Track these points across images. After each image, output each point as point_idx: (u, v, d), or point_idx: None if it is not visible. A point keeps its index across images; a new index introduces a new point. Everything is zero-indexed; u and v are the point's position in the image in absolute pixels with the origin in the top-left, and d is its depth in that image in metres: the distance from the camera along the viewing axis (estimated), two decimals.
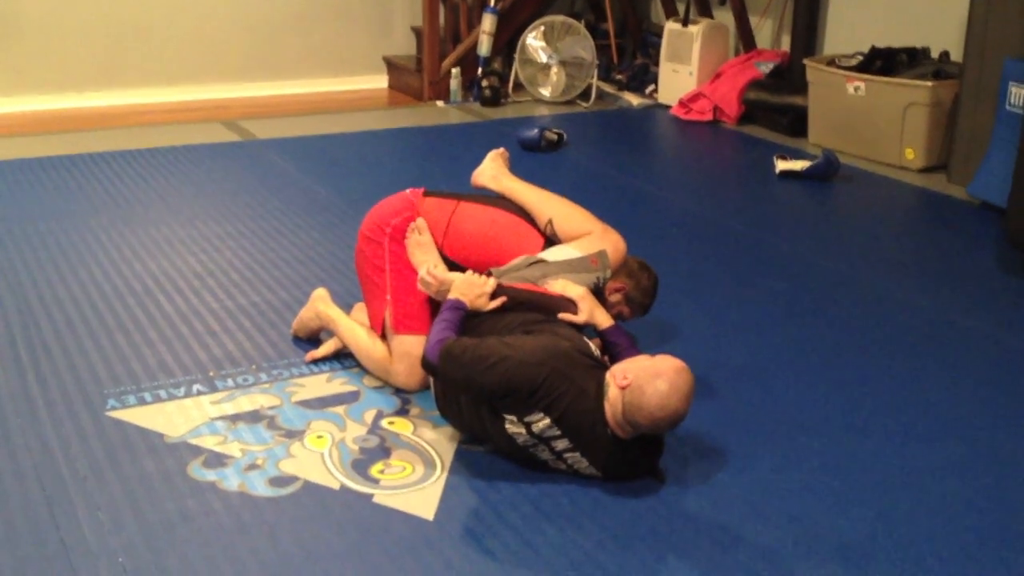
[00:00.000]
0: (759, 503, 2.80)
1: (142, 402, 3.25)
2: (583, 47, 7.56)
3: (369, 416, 3.20)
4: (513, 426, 2.78)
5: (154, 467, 2.90)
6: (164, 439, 3.04)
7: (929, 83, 5.81)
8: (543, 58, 7.60)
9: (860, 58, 6.25)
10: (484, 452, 3.00)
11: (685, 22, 7.34)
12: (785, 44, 7.24)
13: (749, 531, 2.69)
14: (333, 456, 2.98)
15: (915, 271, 4.55)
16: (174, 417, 3.17)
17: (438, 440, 3.07)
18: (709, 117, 7.06)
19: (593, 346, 3.01)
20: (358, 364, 3.47)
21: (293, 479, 2.86)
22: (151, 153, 6.04)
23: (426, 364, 2.84)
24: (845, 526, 2.71)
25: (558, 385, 2.72)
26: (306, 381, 3.40)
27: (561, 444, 2.78)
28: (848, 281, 4.38)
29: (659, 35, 7.68)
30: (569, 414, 2.73)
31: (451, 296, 3.05)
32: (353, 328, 3.46)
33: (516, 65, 7.66)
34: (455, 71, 7.61)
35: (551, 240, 3.41)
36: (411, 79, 7.94)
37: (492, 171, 3.66)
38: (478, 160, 3.75)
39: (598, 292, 3.26)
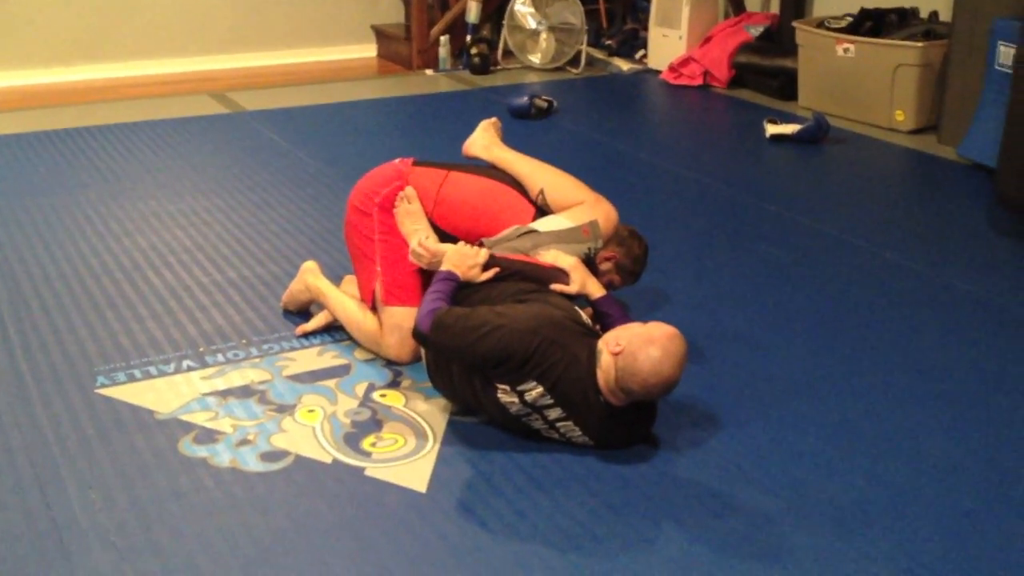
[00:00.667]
0: (752, 469, 2.81)
1: (132, 379, 3.24)
2: (572, 12, 7.51)
3: (360, 389, 3.19)
4: (506, 395, 2.78)
5: (145, 444, 2.89)
6: (154, 416, 3.04)
7: (919, 44, 5.78)
8: (532, 24, 7.55)
9: (850, 19, 6.22)
10: (477, 423, 2.99)
11: None
12: (774, 7, 7.20)
13: (742, 497, 2.69)
14: (325, 430, 2.98)
15: (906, 233, 4.54)
16: (164, 393, 3.16)
17: (430, 412, 3.07)
18: (699, 82, 7.03)
19: (585, 316, 3.00)
20: (349, 337, 3.46)
21: (285, 454, 2.86)
22: (138, 127, 6.00)
23: (417, 334, 2.83)
24: (838, 491, 2.72)
25: (551, 353, 2.71)
26: (297, 355, 3.39)
27: (554, 413, 2.78)
28: (839, 244, 4.37)
29: (648, 0, 7.64)
30: (562, 383, 2.73)
31: (443, 267, 3.04)
32: (343, 301, 3.44)
33: (505, 32, 7.61)
34: (444, 39, 7.56)
35: (542, 210, 3.39)
36: (399, 47, 7.89)
37: (484, 141, 3.64)
38: (468, 129, 3.72)
39: (590, 262, 3.25)
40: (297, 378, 3.25)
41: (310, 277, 3.56)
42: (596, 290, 3.13)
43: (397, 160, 3.50)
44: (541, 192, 3.38)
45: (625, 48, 7.81)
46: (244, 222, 4.55)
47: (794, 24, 6.49)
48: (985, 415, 3.09)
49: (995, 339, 3.56)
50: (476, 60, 7.45)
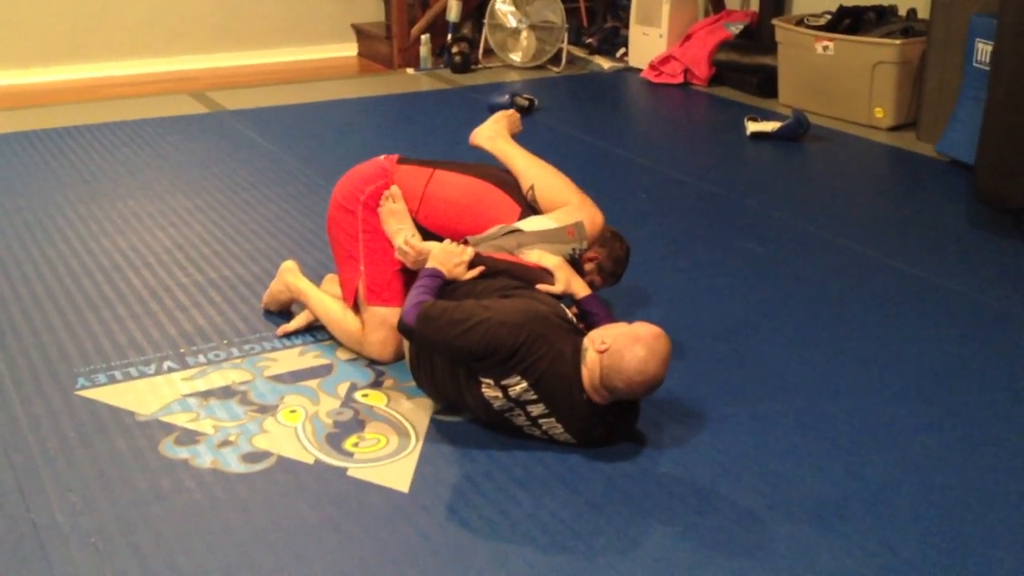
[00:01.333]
0: (734, 466, 2.81)
1: (112, 380, 3.23)
2: (552, 11, 7.52)
3: (342, 389, 3.19)
4: (490, 390, 2.78)
5: (126, 446, 2.88)
6: (135, 417, 3.03)
7: (897, 41, 5.80)
8: (512, 23, 7.55)
9: (828, 17, 6.24)
10: (459, 422, 2.99)
11: None
12: (754, 4, 7.22)
13: (724, 494, 2.70)
14: (307, 430, 2.97)
15: (886, 229, 4.56)
16: (145, 395, 3.15)
17: (412, 411, 3.07)
18: (680, 79, 7.04)
19: (570, 314, 3.00)
20: (330, 337, 3.46)
21: (267, 455, 2.85)
22: (118, 127, 5.98)
23: (403, 327, 2.83)
24: (820, 486, 2.73)
25: (537, 348, 2.72)
26: (278, 355, 3.39)
27: (537, 409, 2.78)
28: (820, 241, 4.39)
29: None
30: (547, 378, 2.73)
31: (428, 265, 3.03)
32: (323, 300, 3.44)
33: (486, 30, 7.61)
34: (424, 38, 7.55)
35: (528, 209, 3.38)
36: (380, 46, 7.88)
37: (490, 131, 3.61)
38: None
39: (574, 263, 3.25)
40: (279, 378, 3.25)
41: (290, 277, 3.55)
42: (581, 289, 3.12)
43: (382, 157, 3.49)
44: (531, 188, 3.38)
45: (606, 46, 7.82)
46: (225, 222, 4.53)
47: (773, 22, 6.50)
48: (964, 410, 3.11)
49: (974, 334, 3.58)
50: (457, 59, 7.44)
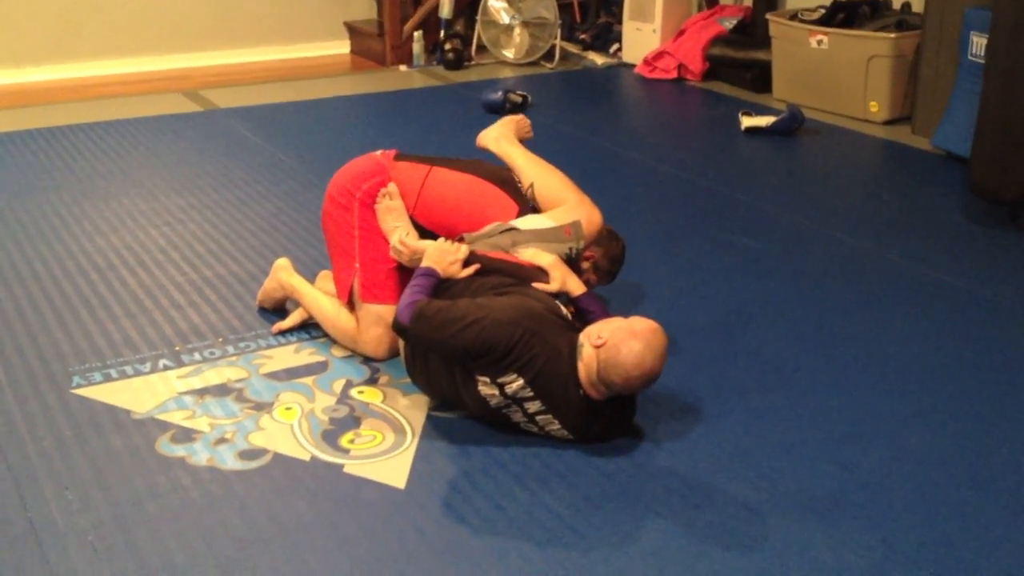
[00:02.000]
0: (730, 460, 2.81)
1: (108, 379, 3.22)
2: (545, 7, 7.51)
3: (338, 386, 3.18)
4: (486, 387, 2.77)
5: (122, 444, 2.88)
6: (131, 415, 3.02)
7: (891, 35, 5.81)
8: (505, 19, 7.54)
9: (822, 11, 6.23)
10: (455, 418, 2.99)
11: None
12: None
13: (721, 489, 2.69)
14: (303, 427, 2.97)
15: (881, 223, 4.56)
16: (141, 393, 3.14)
17: (408, 408, 3.06)
18: (674, 75, 7.04)
19: (565, 311, 2.99)
20: (325, 334, 3.45)
21: (263, 452, 2.85)
22: (111, 126, 5.97)
23: (398, 326, 2.82)
24: (816, 480, 2.73)
25: (532, 345, 2.71)
26: (273, 353, 3.38)
27: (534, 406, 2.78)
28: (815, 235, 4.39)
29: None
30: (543, 375, 2.73)
31: (423, 264, 3.03)
32: (317, 298, 3.43)
33: (478, 27, 7.60)
34: (417, 35, 7.55)
35: (527, 207, 3.36)
36: (373, 44, 7.87)
37: (496, 133, 3.57)
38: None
39: (570, 261, 3.24)
40: (274, 376, 3.24)
41: (283, 275, 3.54)
42: (577, 287, 3.11)
43: (378, 152, 3.47)
44: (531, 186, 3.37)
45: (599, 42, 7.82)
46: (219, 220, 4.52)
47: (767, 16, 6.50)
48: (960, 402, 3.11)
49: (969, 327, 3.58)
50: (450, 56, 7.43)
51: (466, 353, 2.74)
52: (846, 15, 6.10)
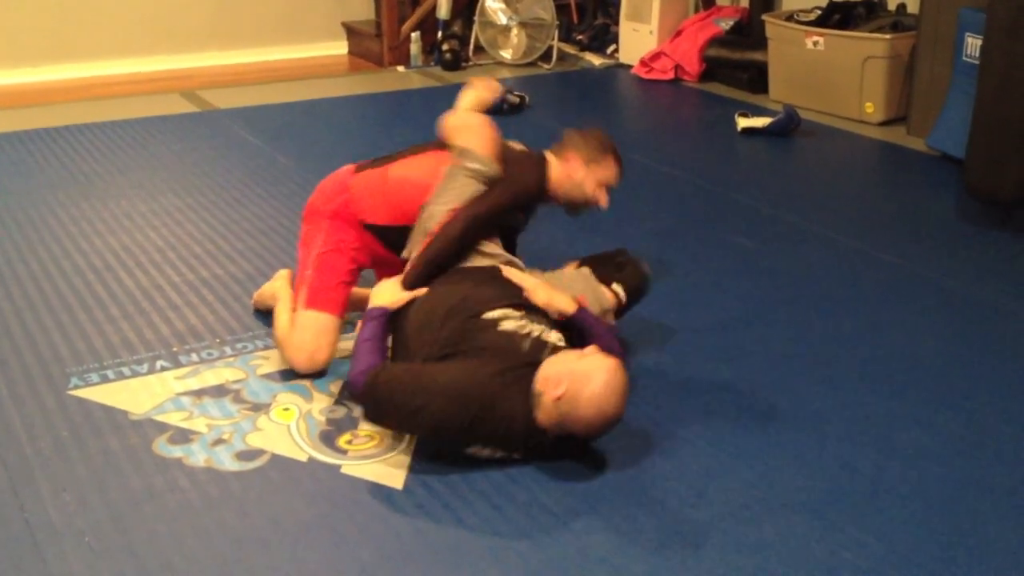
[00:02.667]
0: (727, 459, 2.82)
1: (105, 380, 3.23)
2: (543, 8, 7.52)
3: (335, 387, 3.19)
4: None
5: (119, 445, 2.88)
6: (128, 416, 3.02)
7: (887, 36, 5.82)
8: (503, 20, 7.55)
9: (818, 12, 6.25)
10: None
11: None
12: (744, 0, 7.22)
13: (717, 487, 2.70)
14: (300, 428, 2.97)
15: (876, 223, 4.57)
16: (138, 394, 3.15)
17: None
18: (670, 76, 7.05)
19: (534, 338, 2.86)
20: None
21: (260, 452, 2.86)
22: (109, 126, 5.97)
23: (353, 395, 2.81)
24: (812, 479, 2.74)
25: (486, 420, 2.66)
26: (271, 354, 3.38)
27: (496, 454, 2.77)
28: (812, 236, 4.40)
29: None
30: (501, 440, 2.71)
31: (371, 305, 2.98)
32: (282, 312, 3.34)
33: (476, 28, 7.61)
34: (415, 35, 7.55)
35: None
36: (371, 44, 7.87)
37: (463, 102, 3.59)
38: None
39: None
40: (272, 377, 3.25)
41: (279, 283, 3.53)
42: (567, 306, 2.97)
43: (342, 169, 3.45)
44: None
45: (596, 43, 7.83)
46: (217, 220, 4.53)
47: (763, 18, 6.51)
48: (956, 403, 3.12)
49: (964, 327, 3.59)
50: (448, 56, 7.44)
51: (423, 436, 2.80)
52: (842, 16, 6.12)
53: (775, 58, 6.43)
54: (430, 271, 3.05)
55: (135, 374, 3.26)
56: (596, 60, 7.59)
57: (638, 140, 5.95)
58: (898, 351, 3.43)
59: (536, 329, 2.87)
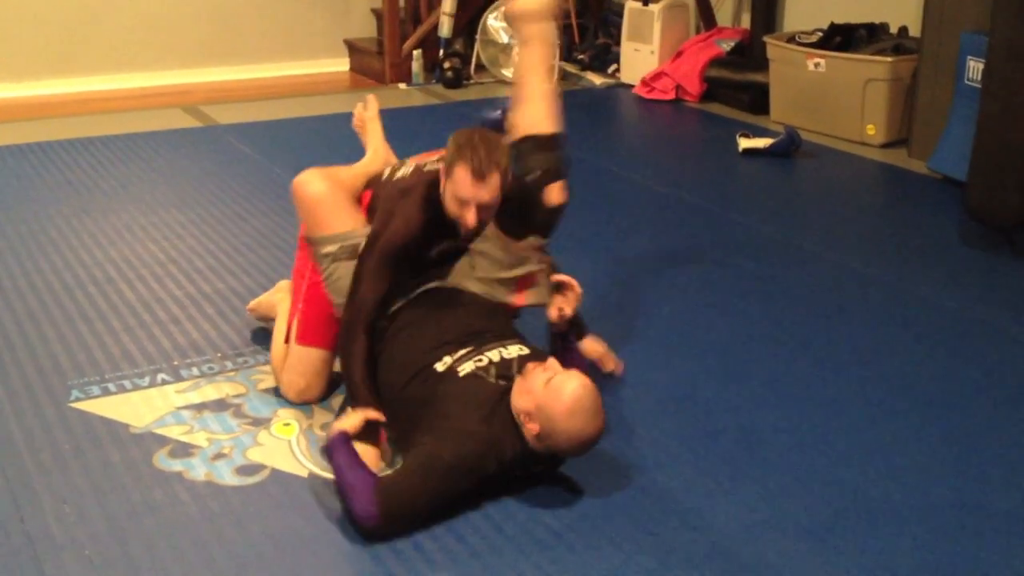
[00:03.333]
0: (728, 480, 2.82)
1: (106, 392, 3.22)
2: None
3: (336, 402, 3.18)
4: None
5: (119, 458, 2.88)
6: (129, 429, 3.02)
7: (888, 59, 5.84)
8: (504, 38, 7.57)
9: (820, 34, 6.27)
10: None
11: (645, 1, 7.34)
12: (745, 21, 7.25)
13: (718, 509, 2.70)
14: (300, 444, 2.97)
15: (878, 246, 4.58)
16: (139, 407, 3.14)
17: None
18: (671, 96, 7.06)
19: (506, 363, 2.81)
20: None
21: (260, 467, 2.85)
22: (110, 140, 5.98)
23: (370, 529, 2.54)
24: (814, 501, 2.73)
25: (493, 465, 2.63)
26: (271, 369, 3.38)
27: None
28: (813, 257, 4.40)
29: (620, 14, 7.65)
30: (508, 471, 2.68)
31: (334, 431, 2.73)
32: (280, 334, 3.30)
33: (478, 46, 7.63)
34: (416, 53, 7.57)
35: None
36: (372, 62, 7.89)
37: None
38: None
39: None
40: (272, 392, 3.24)
41: (279, 295, 3.52)
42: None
43: None
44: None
45: (597, 62, 7.84)
46: (218, 235, 4.53)
47: (765, 39, 6.53)
48: (958, 425, 3.12)
49: (965, 350, 3.59)
50: (449, 74, 7.46)
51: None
52: (843, 38, 6.13)
53: (776, 79, 6.45)
54: (352, 362, 2.92)
55: (136, 387, 3.26)
56: (597, 79, 7.61)
57: (638, 160, 5.96)
58: (899, 373, 3.43)
59: (493, 355, 2.81)
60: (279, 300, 3.48)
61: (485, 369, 2.76)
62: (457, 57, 7.56)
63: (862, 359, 3.52)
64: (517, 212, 2.98)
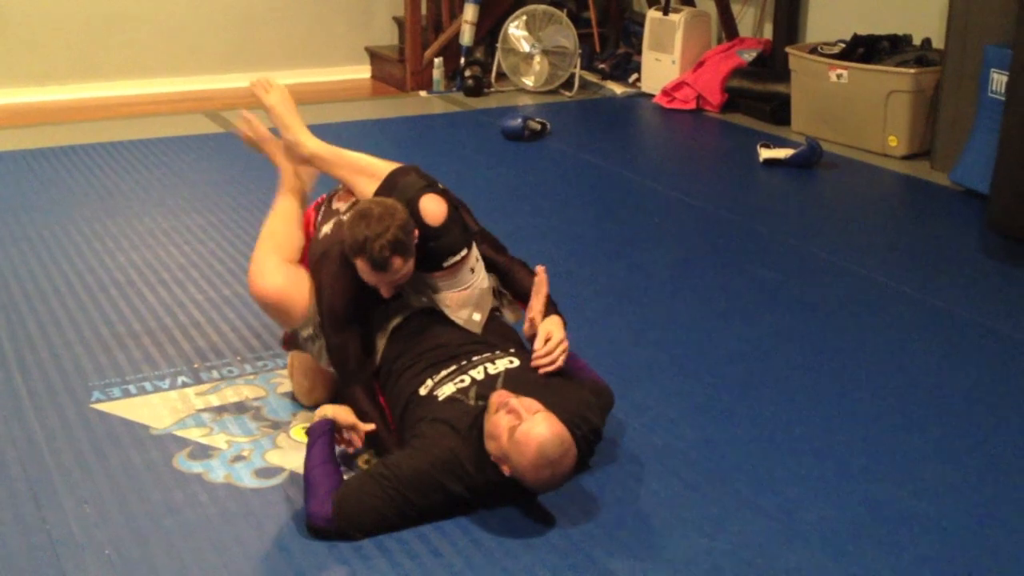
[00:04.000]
0: (746, 491, 2.81)
1: (127, 394, 3.24)
2: (565, 36, 7.55)
3: None
4: None
5: (140, 459, 2.89)
6: (149, 431, 3.04)
7: (911, 70, 5.82)
8: (525, 47, 7.58)
9: (842, 46, 6.26)
10: None
11: (666, 11, 7.34)
12: (767, 32, 7.24)
13: (737, 520, 2.69)
14: None
15: (899, 258, 4.56)
16: (159, 409, 3.16)
17: None
18: (692, 106, 7.06)
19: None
20: None
21: (279, 470, 2.86)
22: (134, 145, 6.01)
23: (318, 529, 2.57)
24: (833, 514, 2.72)
25: (464, 484, 2.62)
26: None
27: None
28: (833, 268, 4.39)
29: (641, 24, 7.67)
30: (483, 493, 2.67)
31: (324, 416, 2.79)
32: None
33: (499, 55, 7.64)
34: (437, 61, 7.59)
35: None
36: (394, 69, 7.92)
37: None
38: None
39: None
40: (291, 395, 3.25)
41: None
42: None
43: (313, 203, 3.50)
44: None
45: (618, 72, 7.85)
46: (238, 239, 4.55)
47: (787, 50, 6.52)
48: (978, 438, 3.10)
49: (986, 362, 3.57)
50: (470, 82, 7.48)
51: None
52: (866, 50, 6.12)
53: (798, 90, 6.44)
54: (357, 398, 2.89)
55: (156, 389, 3.28)
56: (618, 89, 7.62)
57: (659, 169, 5.96)
58: (920, 385, 3.41)
59: (476, 372, 2.80)
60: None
61: (464, 391, 2.75)
62: (478, 65, 7.58)
63: (882, 370, 3.51)
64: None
